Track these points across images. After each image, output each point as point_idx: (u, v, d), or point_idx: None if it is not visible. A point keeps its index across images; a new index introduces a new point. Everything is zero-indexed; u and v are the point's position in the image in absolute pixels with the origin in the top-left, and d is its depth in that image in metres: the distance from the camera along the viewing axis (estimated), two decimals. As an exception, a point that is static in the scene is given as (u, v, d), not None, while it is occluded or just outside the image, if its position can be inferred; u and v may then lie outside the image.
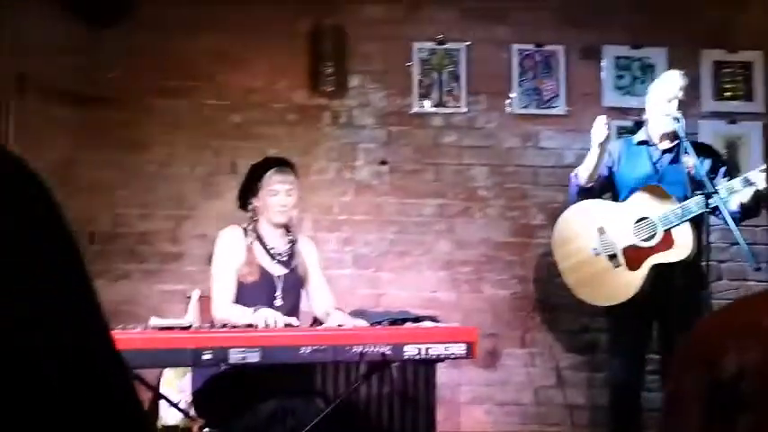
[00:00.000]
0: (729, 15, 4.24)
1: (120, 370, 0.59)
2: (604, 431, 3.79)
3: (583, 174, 3.39)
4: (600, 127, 3.24)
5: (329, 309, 3.02)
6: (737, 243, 3.04)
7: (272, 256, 3.02)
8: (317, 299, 3.11)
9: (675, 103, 3.29)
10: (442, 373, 3.78)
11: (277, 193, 2.98)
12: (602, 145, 3.25)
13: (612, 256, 3.31)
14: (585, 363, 4.16)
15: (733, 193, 3.15)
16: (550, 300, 4.14)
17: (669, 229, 3.20)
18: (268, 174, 2.99)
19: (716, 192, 2.96)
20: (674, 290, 3.11)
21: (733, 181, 3.18)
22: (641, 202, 3.30)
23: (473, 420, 4.12)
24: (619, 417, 3.48)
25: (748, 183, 3.13)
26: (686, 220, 3.17)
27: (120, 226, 4.16)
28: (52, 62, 3.91)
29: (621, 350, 3.43)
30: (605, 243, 3.32)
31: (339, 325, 2.75)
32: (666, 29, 4.24)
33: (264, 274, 2.97)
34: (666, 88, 3.35)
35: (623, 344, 3.43)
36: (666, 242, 3.22)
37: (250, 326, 2.67)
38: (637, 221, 3.29)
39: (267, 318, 2.60)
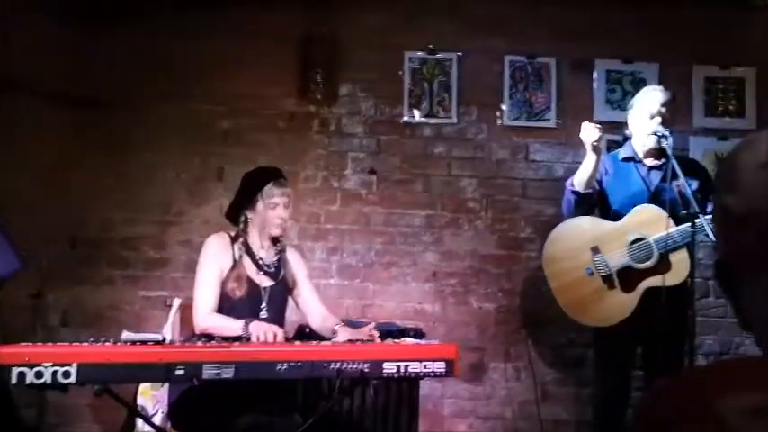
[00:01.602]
0: (722, 32, 4.21)
1: None
2: (588, 448, 3.76)
3: (579, 179, 3.26)
4: (589, 129, 3.13)
5: (334, 325, 2.95)
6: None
7: (260, 267, 2.98)
8: (309, 311, 3.08)
9: (658, 119, 3.22)
10: (426, 386, 3.75)
11: (276, 206, 2.94)
12: (597, 147, 3.14)
13: (607, 278, 3.22)
14: (571, 378, 4.13)
15: None
16: (536, 314, 4.10)
17: (666, 252, 3.13)
18: (267, 187, 2.95)
19: (702, 212, 2.91)
20: (662, 309, 3.04)
21: None
22: (636, 223, 3.20)
23: (456, 434, 4.09)
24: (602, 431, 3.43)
25: None
26: (684, 245, 3.09)
27: (106, 231, 4.12)
28: (42, 65, 3.88)
29: (608, 367, 3.38)
30: (599, 263, 3.22)
31: (350, 340, 2.72)
32: (659, 44, 4.21)
33: (251, 287, 2.93)
34: (648, 105, 3.27)
35: (610, 361, 3.37)
36: (662, 265, 3.13)
37: (237, 338, 2.65)
38: (632, 242, 3.19)
39: (267, 333, 2.58)
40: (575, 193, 3.30)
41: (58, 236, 4.06)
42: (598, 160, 3.19)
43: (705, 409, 0.66)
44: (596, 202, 3.40)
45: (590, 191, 3.28)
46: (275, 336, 2.62)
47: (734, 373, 0.73)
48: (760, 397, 0.66)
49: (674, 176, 3.06)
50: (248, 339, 2.63)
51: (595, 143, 3.13)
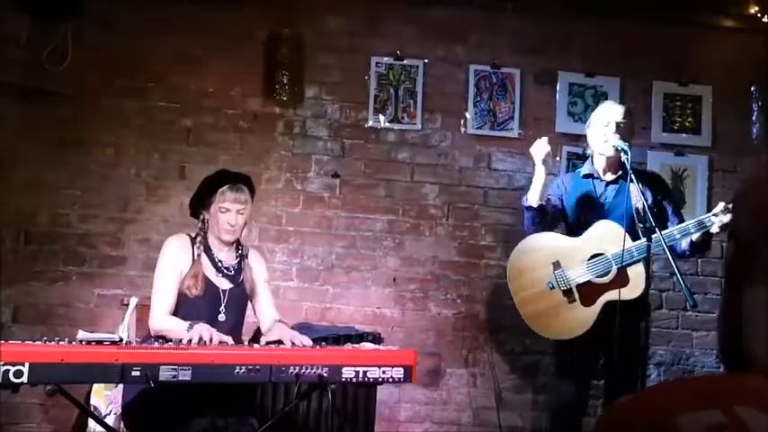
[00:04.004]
0: (681, 50, 4.33)
1: None
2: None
3: (531, 195, 3.33)
4: (539, 145, 3.22)
5: (272, 322, 2.96)
6: (676, 273, 3.03)
7: (219, 270, 2.94)
8: (262, 315, 3.04)
9: (613, 126, 3.28)
10: (383, 390, 3.77)
11: (227, 211, 2.89)
12: (545, 162, 3.22)
13: (567, 292, 3.27)
14: (527, 385, 4.18)
15: (686, 236, 3.16)
16: (494, 321, 4.15)
17: (623, 267, 3.18)
18: (221, 190, 2.89)
19: (657, 226, 2.97)
20: (619, 319, 3.09)
21: (688, 223, 3.16)
22: (596, 238, 3.26)
23: (411, 440, 4.11)
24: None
25: (702, 226, 3.13)
26: (640, 259, 3.12)
27: (60, 226, 4.03)
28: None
29: (568, 375, 3.41)
30: (560, 278, 3.28)
31: (278, 341, 2.70)
32: (621, 59, 4.31)
33: (210, 288, 2.89)
34: (603, 117, 3.34)
35: (570, 369, 3.41)
36: (620, 280, 3.18)
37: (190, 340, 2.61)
38: (591, 257, 3.26)
39: (202, 334, 2.53)
40: (528, 208, 3.36)
41: (9, 230, 3.97)
42: (547, 175, 3.26)
43: (666, 426, 0.68)
44: (559, 217, 3.46)
45: (543, 203, 3.33)
46: (211, 338, 2.55)
47: (693, 389, 0.75)
48: (718, 413, 0.68)
49: (632, 190, 3.12)
50: (190, 341, 2.56)
51: (543, 158, 3.20)
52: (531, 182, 3.39)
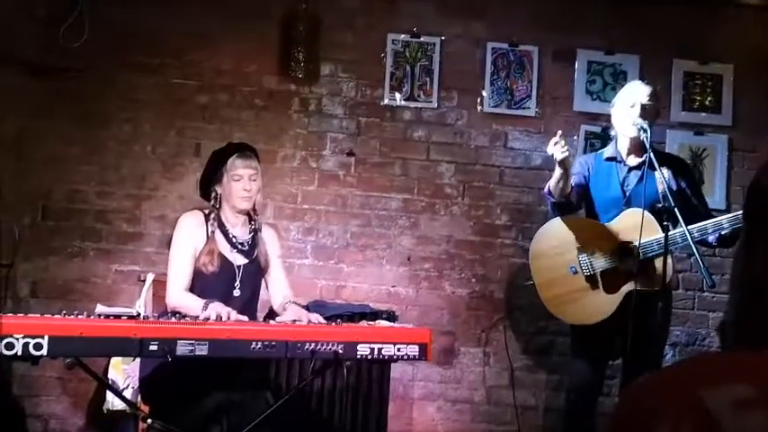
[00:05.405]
0: (702, 28, 4.26)
1: None
2: (555, 434, 3.81)
3: (553, 190, 3.26)
4: (555, 146, 3.07)
5: (286, 302, 2.97)
6: (695, 254, 2.98)
7: (234, 245, 2.96)
8: (275, 291, 3.06)
9: (638, 108, 3.20)
10: (397, 369, 3.79)
11: (241, 178, 2.92)
12: (564, 163, 3.11)
13: (590, 278, 3.23)
14: (540, 364, 4.18)
15: (718, 230, 3.07)
16: (509, 300, 4.15)
17: (650, 257, 3.11)
18: (231, 159, 2.93)
19: (676, 206, 2.93)
20: (638, 300, 3.05)
21: (721, 219, 3.07)
22: (624, 226, 3.19)
23: (424, 417, 4.12)
24: (574, 419, 3.45)
25: (737, 222, 2.99)
26: (668, 251, 3.03)
27: (77, 202, 4.06)
28: (9, 29, 3.78)
29: (583, 354, 3.39)
30: (584, 263, 3.24)
31: (294, 320, 2.71)
32: (641, 37, 4.24)
33: (224, 264, 2.90)
34: (629, 97, 3.27)
35: (586, 348, 3.37)
36: (645, 270, 3.12)
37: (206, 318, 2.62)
38: (618, 245, 3.19)
39: (219, 313, 2.55)
40: (551, 201, 3.32)
41: (27, 206, 4.00)
42: (565, 174, 3.16)
43: (691, 402, 0.67)
44: (583, 197, 3.40)
45: (563, 200, 3.28)
46: (228, 316, 2.58)
47: (717, 365, 0.74)
48: (744, 388, 0.67)
49: (652, 168, 3.08)
50: (207, 320, 2.58)
51: (561, 159, 3.08)
52: (549, 162, 3.34)
